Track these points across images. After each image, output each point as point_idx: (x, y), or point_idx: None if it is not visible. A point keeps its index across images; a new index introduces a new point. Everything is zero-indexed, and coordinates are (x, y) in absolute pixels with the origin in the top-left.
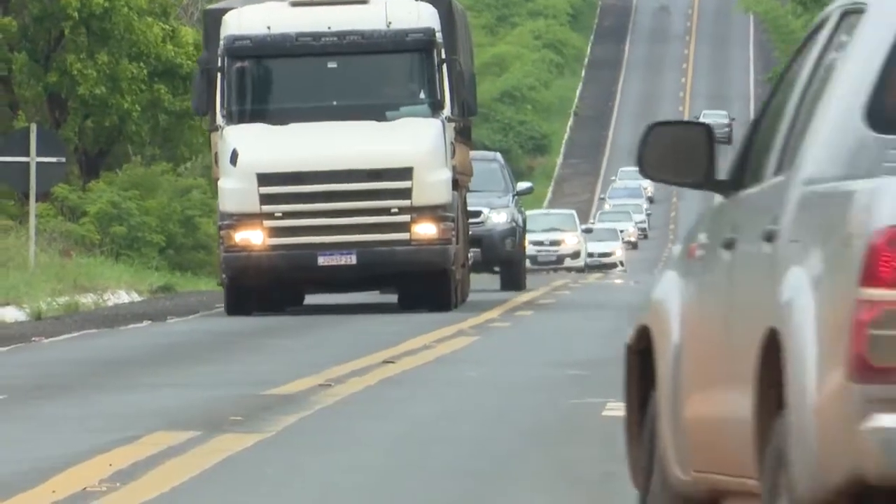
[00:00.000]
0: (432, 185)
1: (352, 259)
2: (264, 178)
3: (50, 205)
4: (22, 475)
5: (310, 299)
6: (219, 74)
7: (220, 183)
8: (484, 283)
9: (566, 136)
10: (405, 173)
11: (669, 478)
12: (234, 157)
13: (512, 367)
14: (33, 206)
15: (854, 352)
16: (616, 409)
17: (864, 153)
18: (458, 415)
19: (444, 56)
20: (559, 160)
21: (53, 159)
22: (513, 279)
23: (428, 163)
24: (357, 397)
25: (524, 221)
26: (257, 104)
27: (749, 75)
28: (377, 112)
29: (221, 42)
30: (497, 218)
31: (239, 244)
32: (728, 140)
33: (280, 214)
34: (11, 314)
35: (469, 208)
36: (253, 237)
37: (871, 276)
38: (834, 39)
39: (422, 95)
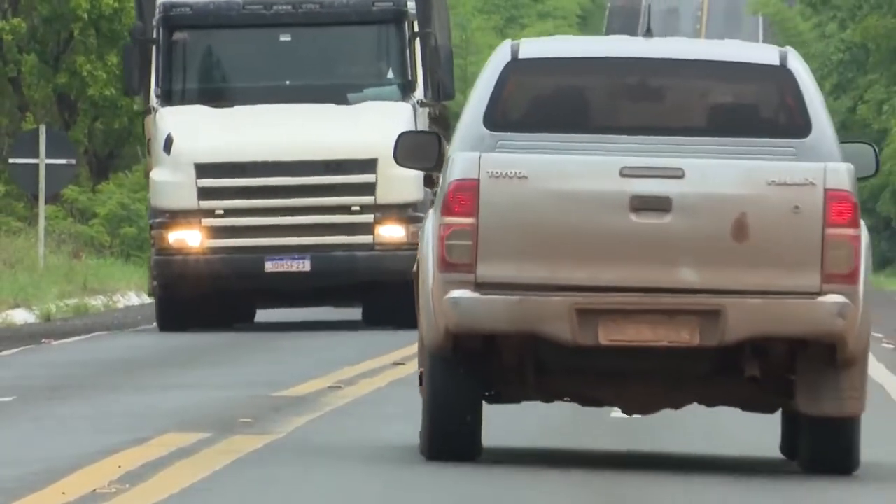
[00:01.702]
0: (400, 179)
1: (305, 265)
2: (203, 169)
3: (59, 206)
4: (31, 476)
5: (261, 315)
6: (153, 48)
7: (151, 174)
8: None
9: None
10: (369, 165)
11: (424, 340)
12: (168, 144)
13: None
14: (42, 207)
15: (440, 254)
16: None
17: (483, 143)
18: None
19: (416, 29)
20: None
21: (63, 161)
22: None
23: None
24: (367, 399)
25: None
26: (197, 83)
27: None
28: (337, 94)
29: (157, 10)
30: None
31: (173, 246)
32: None
33: (221, 212)
34: (21, 316)
35: None
36: (189, 238)
37: (447, 209)
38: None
39: (390, 75)
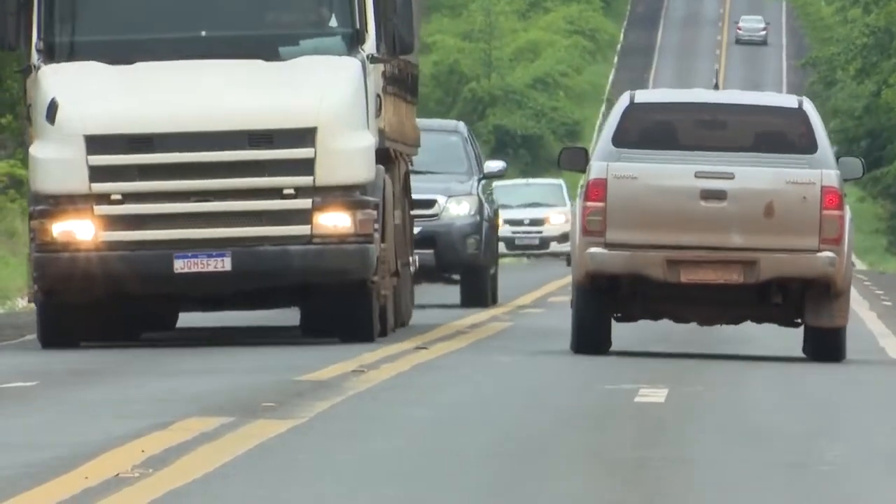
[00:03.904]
0: (345, 154)
1: (225, 263)
2: (96, 143)
3: None
4: (55, 461)
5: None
6: None
7: (31, 149)
8: (441, 296)
9: (598, 123)
10: (305, 137)
11: (575, 280)
12: (51, 112)
13: (545, 354)
14: None
15: (582, 225)
16: (649, 394)
17: (612, 155)
18: (491, 400)
19: None
20: (592, 146)
21: None
22: (476, 291)
23: (339, 122)
24: (390, 383)
25: (496, 213)
26: (89, 33)
27: (782, 61)
28: (266, 47)
29: None
30: (457, 209)
31: (58, 240)
32: (764, 42)
33: (119, 197)
34: None
35: (419, 196)
36: (79, 230)
37: (587, 197)
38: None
39: (332, 23)
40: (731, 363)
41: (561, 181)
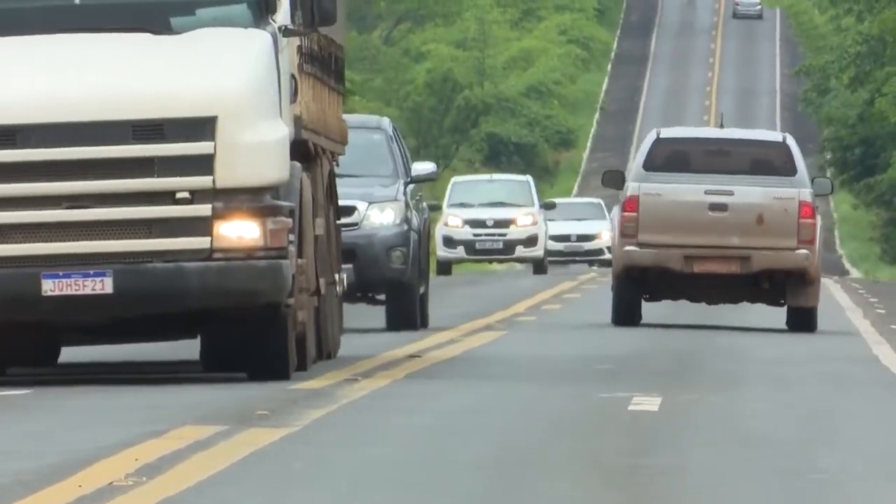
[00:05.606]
0: (252, 149)
1: (105, 284)
2: None
3: None
4: (48, 469)
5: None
6: None
7: None
8: (365, 319)
9: (593, 131)
10: (203, 128)
11: (614, 270)
12: None
13: (539, 362)
14: None
15: (620, 229)
16: (643, 403)
17: (643, 177)
18: (484, 408)
19: None
20: (585, 154)
21: None
22: (403, 312)
23: (245, 109)
24: (384, 391)
25: (426, 223)
26: None
27: (775, 70)
28: (155, 17)
29: None
30: (380, 217)
31: None
32: (760, 16)
33: None
34: None
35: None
36: None
37: (625, 209)
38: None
39: None
40: (725, 371)
41: (528, 178)
